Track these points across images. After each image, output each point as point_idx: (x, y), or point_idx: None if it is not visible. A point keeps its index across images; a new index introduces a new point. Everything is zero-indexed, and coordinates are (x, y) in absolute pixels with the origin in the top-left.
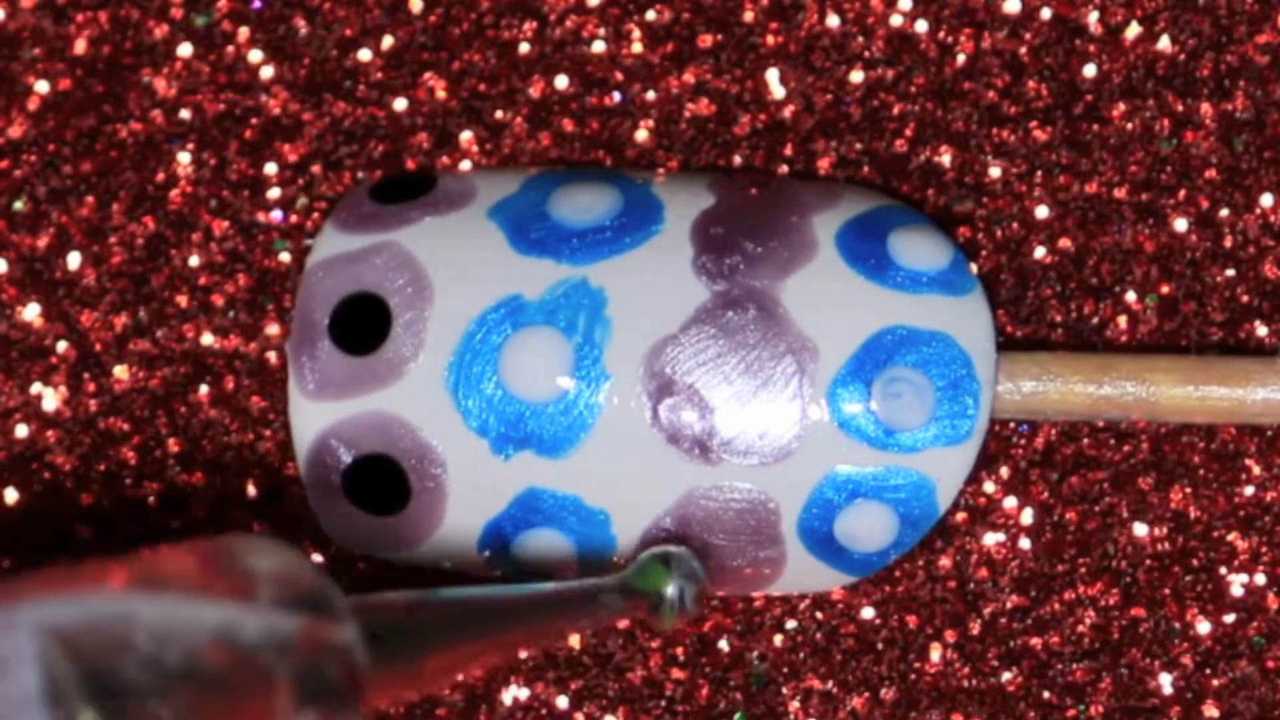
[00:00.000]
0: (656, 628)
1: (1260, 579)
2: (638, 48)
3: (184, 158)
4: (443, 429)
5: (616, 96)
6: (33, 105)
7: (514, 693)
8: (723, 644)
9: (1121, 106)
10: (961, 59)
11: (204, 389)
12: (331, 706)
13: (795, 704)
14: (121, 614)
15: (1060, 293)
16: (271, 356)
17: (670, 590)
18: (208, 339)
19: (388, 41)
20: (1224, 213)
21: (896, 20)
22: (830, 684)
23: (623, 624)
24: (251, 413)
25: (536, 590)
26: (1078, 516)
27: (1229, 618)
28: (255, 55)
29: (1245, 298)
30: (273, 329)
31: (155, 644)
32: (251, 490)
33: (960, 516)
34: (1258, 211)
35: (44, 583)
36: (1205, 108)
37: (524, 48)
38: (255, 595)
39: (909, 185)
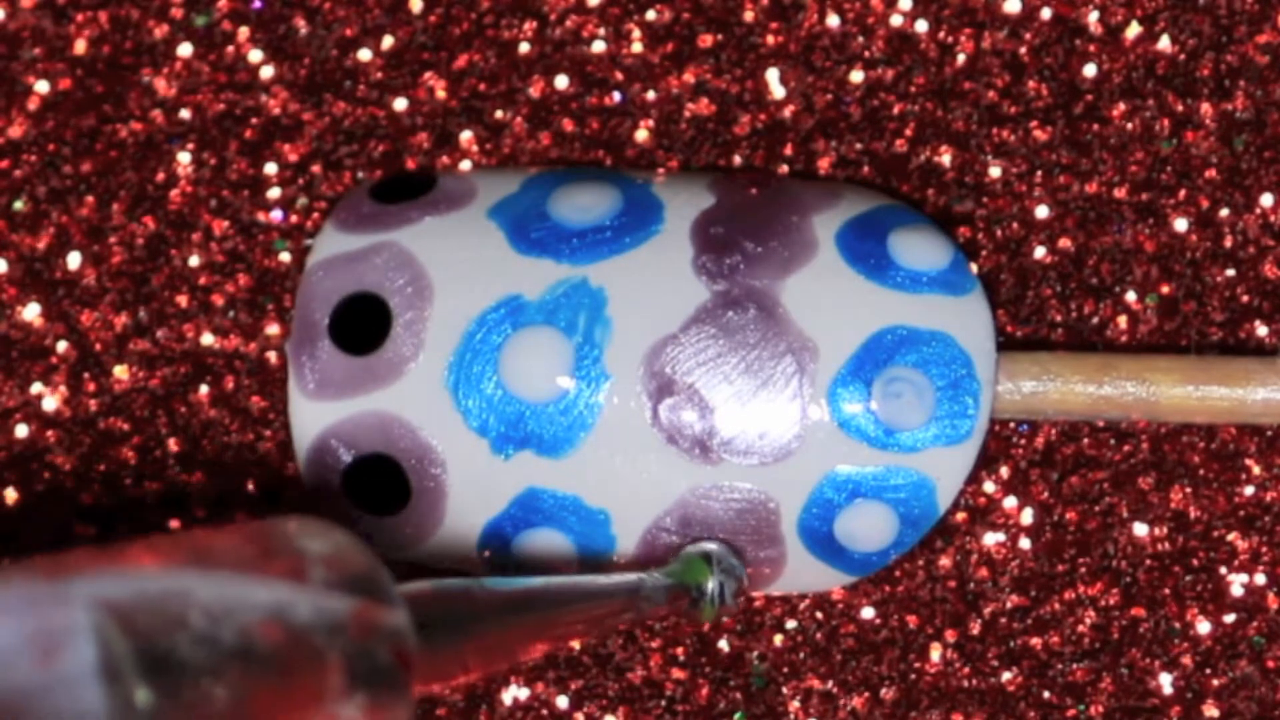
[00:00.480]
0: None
1: (1260, 579)
2: (638, 48)
3: (184, 158)
4: (443, 429)
5: (616, 96)
6: (33, 105)
7: (514, 693)
8: (723, 644)
9: (1121, 106)
10: (961, 59)
11: (204, 389)
12: (381, 689)
13: (795, 704)
14: (175, 591)
15: (1060, 293)
16: (271, 356)
17: (711, 585)
18: (208, 339)
19: (388, 41)
20: (1224, 213)
21: (896, 20)
22: (830, 684)
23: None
24: (251, 413)
25: (582, 582)
26: (1078, 516)
27: (1229, 618)
28: (255, 55)
29: (1245, 298)
30: (273, 329)
31: (209, 622)
32: (251, 490)
33: (960, 516)
34: (1258, 211)
35: (97, 557)
36: (1205, 108)
37: (524, 48)
38: (307, 576)
39: (909, 185)
